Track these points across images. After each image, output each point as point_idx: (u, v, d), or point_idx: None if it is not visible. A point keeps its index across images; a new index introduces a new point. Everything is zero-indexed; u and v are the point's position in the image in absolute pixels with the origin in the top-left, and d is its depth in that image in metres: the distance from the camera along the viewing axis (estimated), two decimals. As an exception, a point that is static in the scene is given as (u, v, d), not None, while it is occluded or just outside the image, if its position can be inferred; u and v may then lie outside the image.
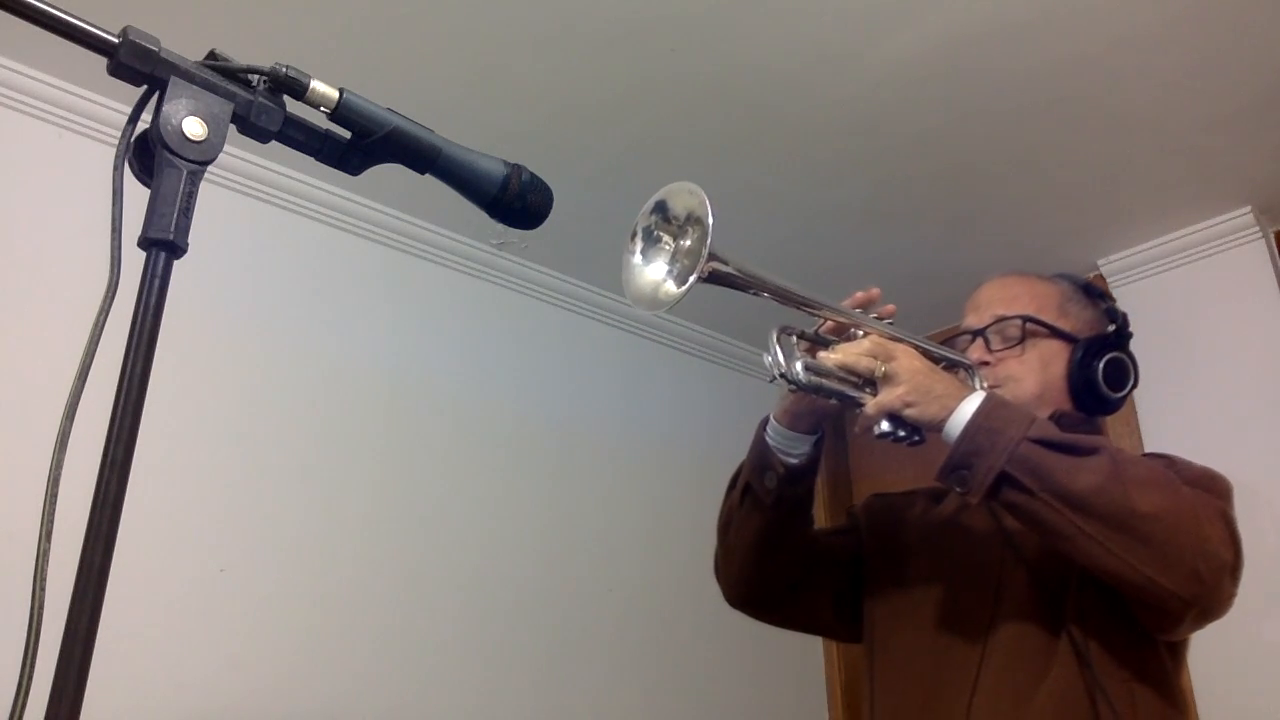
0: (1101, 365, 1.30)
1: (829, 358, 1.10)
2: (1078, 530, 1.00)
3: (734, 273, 1.05)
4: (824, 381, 1.09)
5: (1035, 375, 1.29)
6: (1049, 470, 1.01)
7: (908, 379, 1.08)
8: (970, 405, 1.06)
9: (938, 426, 1.07)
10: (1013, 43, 1.82)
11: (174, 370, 1.87)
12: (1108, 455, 1.02)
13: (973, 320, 1.35)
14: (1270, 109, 1.99)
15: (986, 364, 1.30)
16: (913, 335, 1.19)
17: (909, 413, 1.07)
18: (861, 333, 1.16)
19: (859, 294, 1.19)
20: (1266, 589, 2.13)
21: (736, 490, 1.28)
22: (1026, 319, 1.31)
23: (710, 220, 1.00)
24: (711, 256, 1.00)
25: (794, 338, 1.13)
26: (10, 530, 1.59)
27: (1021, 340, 1.30)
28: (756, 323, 2.99)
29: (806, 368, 1.08)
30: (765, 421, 1.25)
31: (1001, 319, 1.32)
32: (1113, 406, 1.32)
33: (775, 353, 1.08)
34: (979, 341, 1.32)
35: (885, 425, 1.08)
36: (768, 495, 1.22)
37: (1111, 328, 1.35)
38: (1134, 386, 1.33)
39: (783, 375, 1.07)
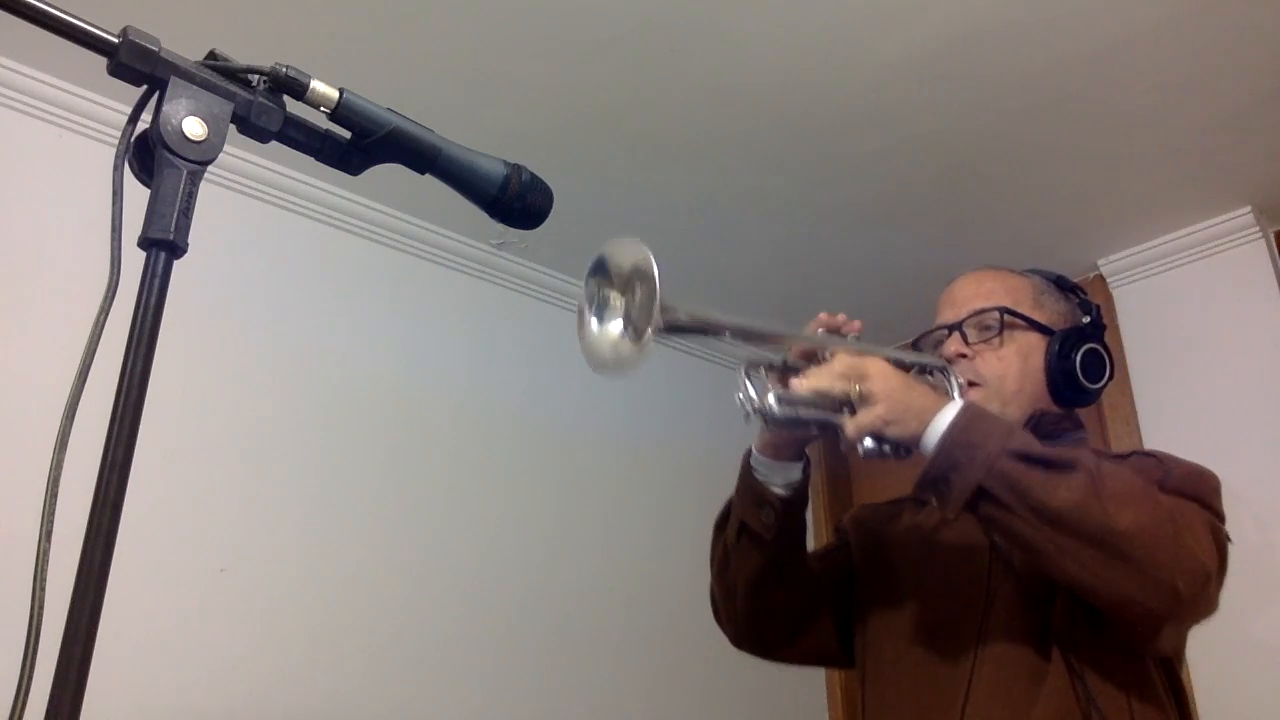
0: (1079, 356, 1.29)
1: (801, 385, 1.06)
2: (1055, 547, 0.98)
3: (687, 321, 1.01)
4: (800, 412, 1.06)
5: (1014, 367, 1.29)
6: (1026, 486, 0.98)
7: (884, 397, 1.05)
8: (945, 418, 1.04)
9: (916, 441, 1.05)
10: (1013, 43, 1.82)
11: (174, 370, 1.87)
12: (1086, 471, 1.00)
13: (948, 315, 1.34)
14: (1270, 109, 1.99)
15: (965, 357, 1.29)
16: (880, 347, 1.16)
17: (889, 431, 1.05)
18: (830, 354, 1.12)
19: (823, 315, 1.17)
20: (1268, 587, 2.13)
21: (731, 529, 1.25)
22: (1004, 310, 1.30)
23: (656, 271, 0.94)
24: (664, 309, 0.94)
25: (763, 370, 1.09)
26: (10, 530, 1.59)
27: (999, 332, 1.30)
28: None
29: (780, 400, 1.04)
30: (748, 455, 1.22)
31: (978, 312, 1.32)
32: (1090, 398, 1.32)
33: (746, 389, 1.05)
34: (956, 335, 1.31)
35: (869, 444, 1.06)
36: (767, 531, 1.20)
37: (1086, 319, 1.35)
38: (1110, 378, 1.33)
39: (758, 411, 1.04)
